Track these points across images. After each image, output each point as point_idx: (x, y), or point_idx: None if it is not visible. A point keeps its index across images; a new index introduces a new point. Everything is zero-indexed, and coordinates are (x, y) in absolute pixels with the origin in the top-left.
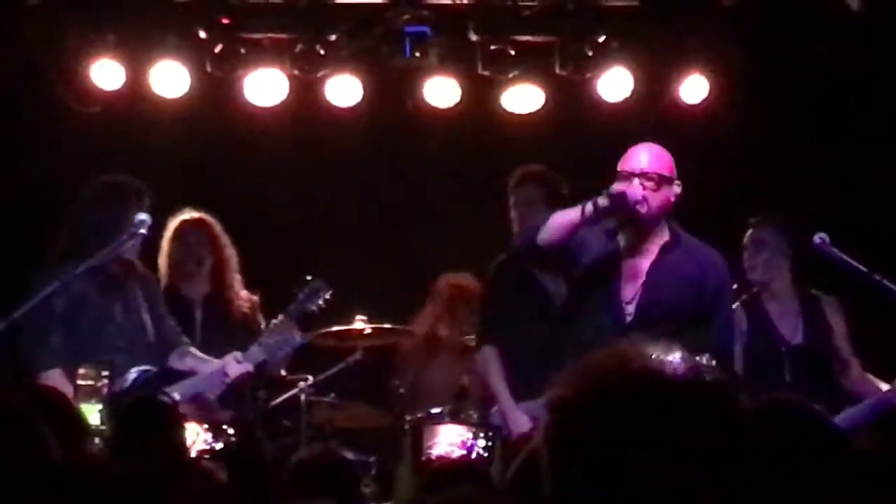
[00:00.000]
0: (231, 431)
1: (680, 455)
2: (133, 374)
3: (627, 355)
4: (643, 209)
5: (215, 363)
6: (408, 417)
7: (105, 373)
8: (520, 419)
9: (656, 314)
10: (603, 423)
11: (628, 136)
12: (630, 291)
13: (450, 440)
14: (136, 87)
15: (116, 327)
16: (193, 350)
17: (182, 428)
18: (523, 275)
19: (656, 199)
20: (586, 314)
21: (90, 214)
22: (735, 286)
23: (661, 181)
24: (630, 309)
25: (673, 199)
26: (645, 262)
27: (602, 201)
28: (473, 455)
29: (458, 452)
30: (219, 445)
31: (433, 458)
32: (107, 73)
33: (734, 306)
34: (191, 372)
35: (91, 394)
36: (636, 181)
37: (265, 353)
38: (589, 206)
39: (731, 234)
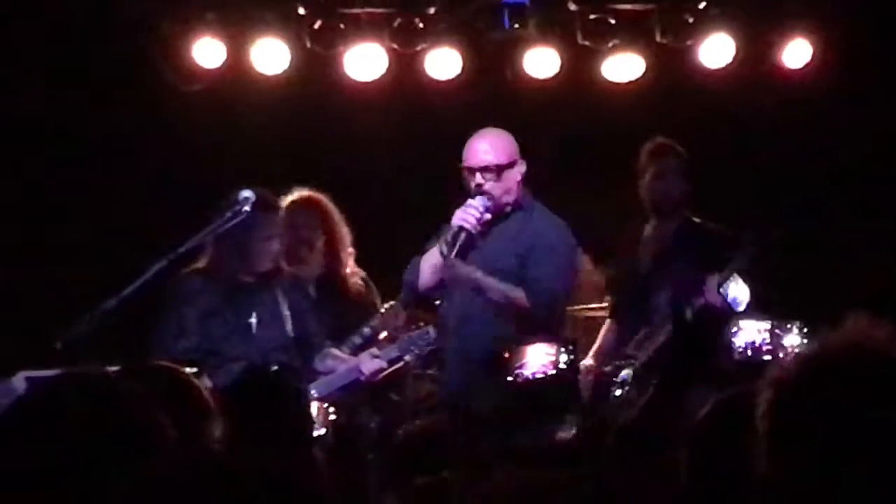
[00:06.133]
0: (333, 411)
1: None
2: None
3: (858, 337)
4: (486, 214)
5: (351, 361)
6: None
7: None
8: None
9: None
10: (827, 402)
11: (730, 103)
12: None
13: (539, 360)
14: (236, 64)
15: (248, 339)
16: (335, 351)
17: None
18: None
19: (499, 188)
20: None
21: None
22: None
23: (500, 170)
24: None
25: (519, 178)
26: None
27: (449, 238)
28: (558, 371)
29: (550, 371)
30: (321, 429)
31: (528, 377)
32: (208, 52)
33: None
34: (328, 372)
35: None
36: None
37: (399, 350)
38: (443, 248)
39: (838, 197)
